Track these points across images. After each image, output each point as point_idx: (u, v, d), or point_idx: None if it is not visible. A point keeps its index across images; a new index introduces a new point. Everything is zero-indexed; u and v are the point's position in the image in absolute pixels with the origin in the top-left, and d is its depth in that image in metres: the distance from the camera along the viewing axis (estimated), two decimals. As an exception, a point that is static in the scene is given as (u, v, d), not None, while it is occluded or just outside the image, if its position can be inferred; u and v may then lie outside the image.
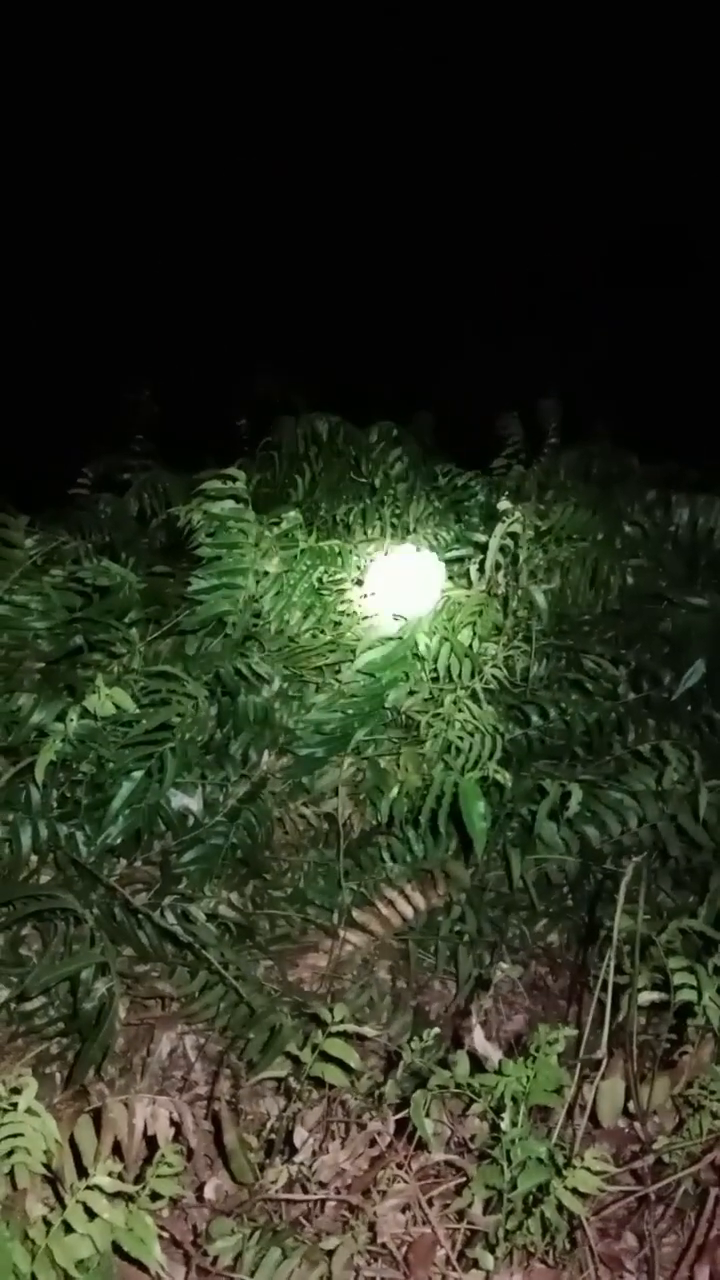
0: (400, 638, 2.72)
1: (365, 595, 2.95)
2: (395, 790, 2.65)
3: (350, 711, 2.76)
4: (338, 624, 2.95)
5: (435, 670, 2.75)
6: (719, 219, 8.84)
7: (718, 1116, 1.75)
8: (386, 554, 3.07)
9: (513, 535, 2.81)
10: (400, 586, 2.90)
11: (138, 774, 2.32)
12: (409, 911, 2.66)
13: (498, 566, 2.88)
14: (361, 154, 9.73)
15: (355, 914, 2.62)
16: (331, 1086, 1.83)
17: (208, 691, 2.67)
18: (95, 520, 3.36)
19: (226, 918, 2.42)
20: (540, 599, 2.95)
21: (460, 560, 3.23)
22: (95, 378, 5.58)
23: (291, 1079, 1.98)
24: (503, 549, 2.87)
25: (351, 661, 2.88)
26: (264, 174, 9.58)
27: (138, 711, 2.32)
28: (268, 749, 2.79)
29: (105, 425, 3.98)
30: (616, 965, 1.91)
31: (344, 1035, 1.77)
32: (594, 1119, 1.98)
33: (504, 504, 2.78)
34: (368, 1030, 2.00)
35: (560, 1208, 1.51)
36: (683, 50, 9.37)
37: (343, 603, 2.98)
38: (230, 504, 2.82)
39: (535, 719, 2.90)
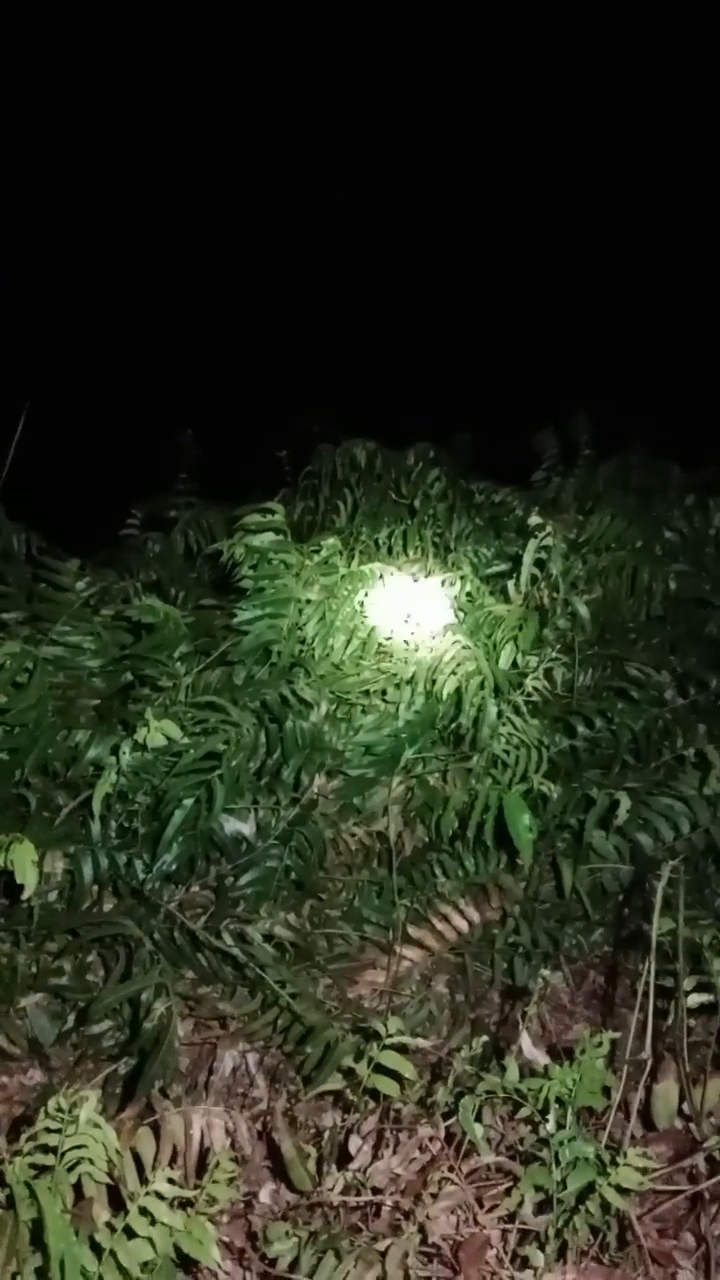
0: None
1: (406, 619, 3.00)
2: (444, 807, 2.70)
3: (401, 733, 2.83)
4: (381, 646, 3.01)
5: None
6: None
7: (768, 1114, 1.76)
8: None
9: (545, 548, 2.86)
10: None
11: (188, 802, 2.41)
12: (464, 926, 2.70)
13: (533, 580, 2.93)
14: (381, 180, 9.88)
15: (411, 930, 2.67)
16: (386, 1097, 1.88)
17: (255, 719, 2.75)
18: (144, 559, 3.48)
19: (283, 938, 2.49)
20: (583, 609, 2.98)
21: (500, 576, 3.29)
22: (139, 426, 5.78)
23: (348, 1091, 2.03)
24: (538, 562, 2.92)
25: (398, 684, 2.94)
26: (286, 213, 9.78)
27: (186, 741, 2.41)
28: (318, 772, 2.86)
29: (151, 469, 4.13)
30: (665, 969, 1.94)
31: (398, 1048, 1.82)
32: (650, 1122, 2.00)
33: (534, 518, 2.84)
34: (421, 1042, 2.05)
35: (606, 1206, 1.54)
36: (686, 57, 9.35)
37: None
38: (270, 536, 2.92)
39: (582, 729, 2.91)
